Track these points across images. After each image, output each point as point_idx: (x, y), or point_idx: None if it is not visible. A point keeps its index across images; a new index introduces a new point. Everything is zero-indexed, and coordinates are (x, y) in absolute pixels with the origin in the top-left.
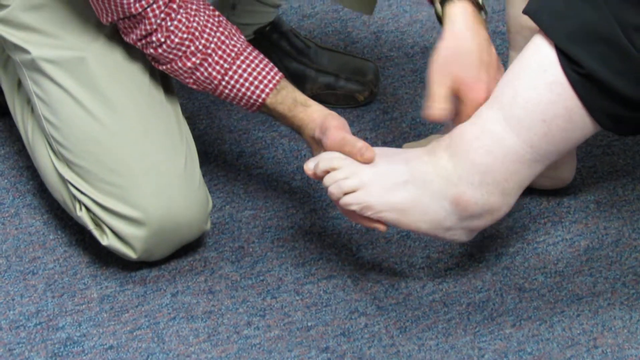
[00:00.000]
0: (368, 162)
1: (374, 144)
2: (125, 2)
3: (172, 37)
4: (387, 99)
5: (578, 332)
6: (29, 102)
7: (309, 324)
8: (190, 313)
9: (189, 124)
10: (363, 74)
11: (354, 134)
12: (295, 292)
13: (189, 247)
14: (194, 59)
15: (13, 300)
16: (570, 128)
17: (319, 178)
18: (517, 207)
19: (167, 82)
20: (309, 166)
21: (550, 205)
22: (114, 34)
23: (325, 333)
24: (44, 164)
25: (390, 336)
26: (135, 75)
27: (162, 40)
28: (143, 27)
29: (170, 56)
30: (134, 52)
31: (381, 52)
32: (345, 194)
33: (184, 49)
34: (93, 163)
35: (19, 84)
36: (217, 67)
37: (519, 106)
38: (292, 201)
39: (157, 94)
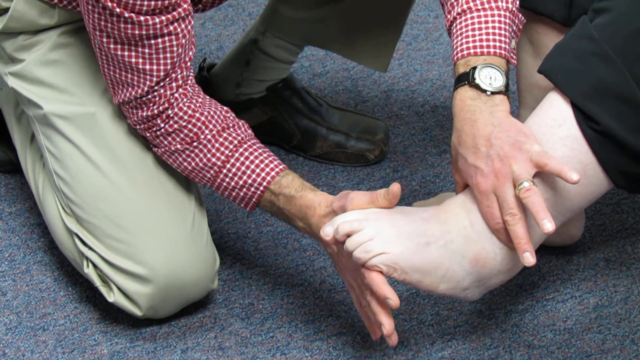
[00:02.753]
0: (395, 196)
1: None
2: (135, 81)
3: (177, 120)
4: (397, 157)
5: None
6: (41, 157)
7: None
8: None
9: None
10: (373, 133)
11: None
12: (305, 348)
13: (199, 304)
14: (195, 144)
15: (24, 356)
16: (585, 183)
17: (339, 242)
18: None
19: None
20: (327, 232)
21: (559, 263)
22: None
23: None
24: (54, 220)
25: None
26: None
27: (166, 122)
28: (148, 109)
29: (170, 139)
30: None
31: (391, 111)
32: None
33: (186, 131)
34: (101, 219)
35: (32, 139)
36: (218, 154)
37: None
38: (302, 258)
39: None
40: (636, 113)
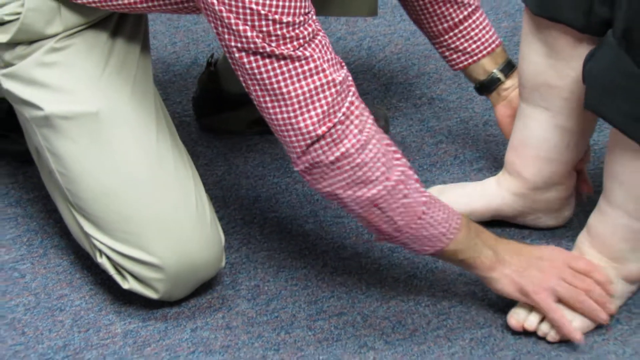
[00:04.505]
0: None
1: None
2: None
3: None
4: (396, 146)
5: None
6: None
7: (321, 358)
8: (208, 347)
9: (207, 170)
10: (375, 121)
11: None
12: (308, 327)
13: (208, 286)
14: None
15: (42, 335)
16: None
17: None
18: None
19: (172, 129)
20: (514, 320)
21: (549, 244)
22: (123, 87)
23: None
24: (65, 215)
25: None
26: (144, 125)
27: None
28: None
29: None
30: (142, 103)
31: (390, 103)
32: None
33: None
34: (107, 213)
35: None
36: (416, 196)
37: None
38: (305, 243)
39: (164, 142)
40: None
